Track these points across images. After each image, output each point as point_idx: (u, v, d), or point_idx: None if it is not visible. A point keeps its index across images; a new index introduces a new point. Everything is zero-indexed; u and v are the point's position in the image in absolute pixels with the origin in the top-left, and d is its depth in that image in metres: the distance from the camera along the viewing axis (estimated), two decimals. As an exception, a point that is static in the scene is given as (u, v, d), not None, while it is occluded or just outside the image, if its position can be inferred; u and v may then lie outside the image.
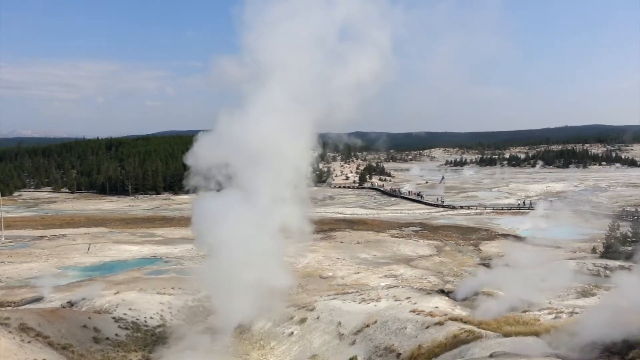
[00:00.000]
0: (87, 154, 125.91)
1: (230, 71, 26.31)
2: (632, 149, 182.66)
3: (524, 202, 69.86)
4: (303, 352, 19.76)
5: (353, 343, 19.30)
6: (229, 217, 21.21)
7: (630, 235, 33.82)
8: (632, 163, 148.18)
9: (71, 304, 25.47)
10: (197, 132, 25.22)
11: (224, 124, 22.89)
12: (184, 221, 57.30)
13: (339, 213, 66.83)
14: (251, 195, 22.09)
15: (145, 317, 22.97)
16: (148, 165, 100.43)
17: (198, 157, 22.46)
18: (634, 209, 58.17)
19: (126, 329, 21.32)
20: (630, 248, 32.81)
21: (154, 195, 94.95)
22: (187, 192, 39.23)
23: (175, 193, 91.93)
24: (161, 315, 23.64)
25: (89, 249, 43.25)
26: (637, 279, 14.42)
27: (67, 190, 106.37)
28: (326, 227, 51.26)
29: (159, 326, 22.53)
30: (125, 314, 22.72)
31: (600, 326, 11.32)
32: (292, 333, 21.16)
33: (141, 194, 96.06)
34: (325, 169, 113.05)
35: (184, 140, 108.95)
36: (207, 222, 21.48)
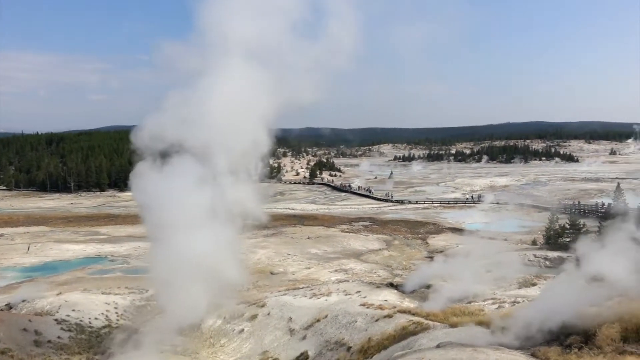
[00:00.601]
0: (26, 149, 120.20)
1: (178, 56, 25.71)
2: (569, 145, 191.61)
3: (472, 197, 71.82)
4: (254, 349, 19.67)
5: (304, 338, 19.36)
6: (177, 205, 20.73)
7: (567, 227, 35.38)
8: (569, 158, 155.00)
9: (10, 306, 24.39)
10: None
11: (174, 104, 22.28)
12: (130, 219, 55.85)
13: (289, 209, 66.81)
14: (202, 180, 21.66)
15: (89, 318, 22.27)
16: (91, 161, 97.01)
17: (146, 137, 21.77)
18: (571, 202, 60.92)
19: (69, 330, 20.60)
20: (568, 239, 34.35)
21: (98, 193, 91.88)
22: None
23: (121, 190, 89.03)
24: (107, 316, 22.98)
25: (28, 248, 41.45)
26: (576, 269, 15.13)
27: (4, 187, 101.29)
28: (277, 223, 51.13)
29: (104, 327, 21.89)
30: (68, 316, 21.94)
31: (540, 314, 11.80)
32: (242, 330, 21.02)
33: (84, 191, 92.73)
34: (276, 165, 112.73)
35: (130, 135, 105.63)
36: (154, 209, 20.88)
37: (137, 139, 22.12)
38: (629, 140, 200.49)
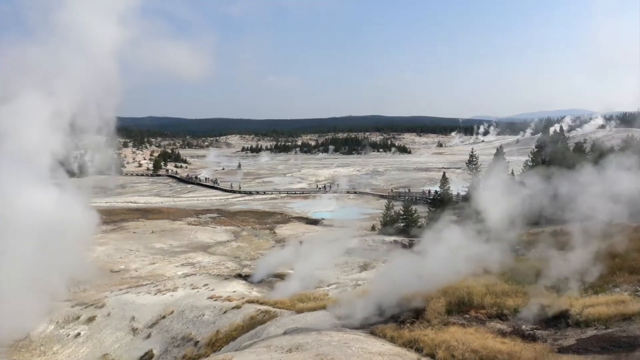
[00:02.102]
0: None
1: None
2: (403, 137, 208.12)
3: (324, 186, 74.13)
4: (92, 353, 18.35)
5: (148, 336, 18.56)
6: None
7: (402, 213, 38.35)
8: (403, 150, 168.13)
9: None
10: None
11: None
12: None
13: (131, 202, 63.21)
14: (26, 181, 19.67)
15: None
16: None
17: None
18: (404, 190, 66.29)
19: None
20: (402, 224, 37.29)
21: None
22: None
23: None
24: None
25: None
26: (409, 252, 16.50)
27: None
28: (117, 218, 48.10)
29: None
30: None
31: (378, 295, 12.69)
32: (79, 334, 19.48)
33: None
34: (116, 156, 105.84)
35: None
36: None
37: None
38: (453, 134, 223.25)
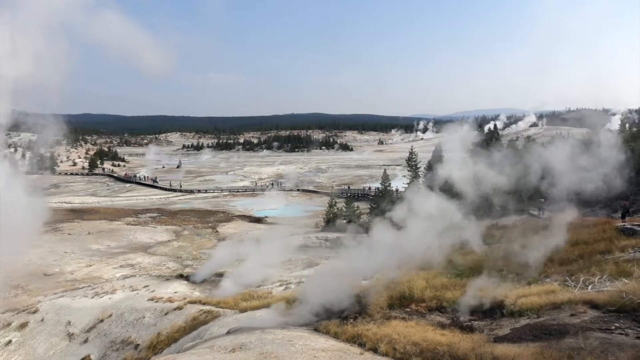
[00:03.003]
0: None
1: None
2: (345, 135, 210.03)
3: (272, 183, 73.82)
4: (25, 361, 17.49)
5: (85, 341, 17.88)
6: None
7: (344, 210, 38.77)
8: (345, 147, 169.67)
9: None
10: None
11: None
12: None
13: (66, 202, 60.64)
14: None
15: None
16: None
17: None
18: (346, 187, 67.03)
19: None
20: (345, 221, 37.67)
21: None
22: None
23: None
24: None
25: None
26: (353, 249, 16.66)
27: None
28: (51, 219, 45.93)
29: None
30: None
31: (321, 292, 12.75)
32: (10, 341, 18.49)
33: None
34: (48, 154, 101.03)
35: None
36: None
37: None
38: (393, 131, 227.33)
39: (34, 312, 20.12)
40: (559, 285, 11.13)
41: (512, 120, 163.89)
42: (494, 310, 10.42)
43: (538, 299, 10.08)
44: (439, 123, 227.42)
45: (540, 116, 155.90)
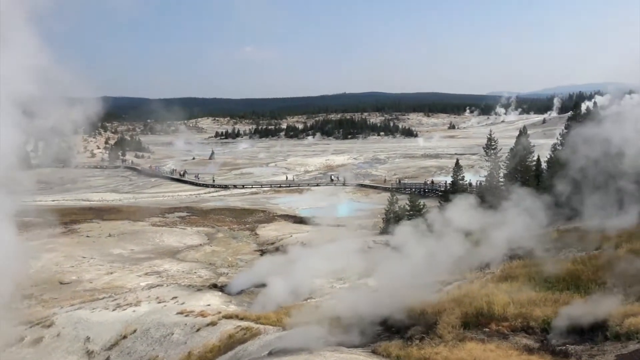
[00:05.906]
0: None
1: None
2: (408, 118, 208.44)
3: (337, 177, 74.12)
4: (39, 382, 18.31)
5: (107, 360, 18.51)
6: None
7: (408, 208, 38.40)
8: (408, 133, 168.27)
9: None
10: None
11: None
12: None
13: (83, 200, 62.92)
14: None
15: None
16: None
17: None
18: (411, 181, 66.50)
19: None
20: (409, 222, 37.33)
21: None
22: None
23: None
24: None
25: None
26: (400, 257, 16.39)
27: None
28: (67, 219, 47.83)
29: None
30: None
31: (375, 306, 12.68)
32: (23, 359, 19.39)
33: None
34: (64, 145, 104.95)
35: None
36: None
37: None
38: (468, 113, 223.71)
39: (49, 325, 20.97)
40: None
41: (621, 96, 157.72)
42: (595, 332, 10.09)
43: (652, 319, 9.70)
44: (523, 102, 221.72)
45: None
